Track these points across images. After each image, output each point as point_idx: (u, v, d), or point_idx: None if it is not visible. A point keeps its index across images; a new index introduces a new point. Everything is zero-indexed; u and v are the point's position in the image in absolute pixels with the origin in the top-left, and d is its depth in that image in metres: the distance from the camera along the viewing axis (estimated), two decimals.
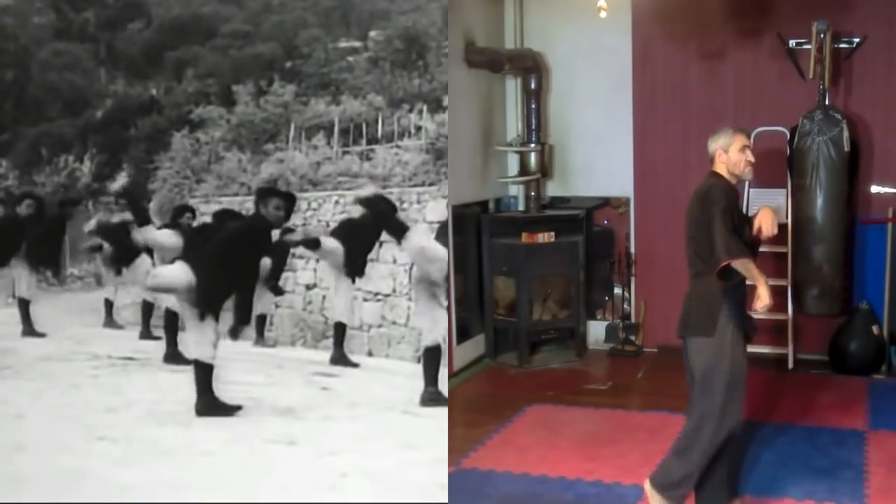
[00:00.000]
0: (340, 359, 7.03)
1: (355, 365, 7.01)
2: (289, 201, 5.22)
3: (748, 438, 5.38)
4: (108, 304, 9.45)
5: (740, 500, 4.58)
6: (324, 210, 9.62)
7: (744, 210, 4.60)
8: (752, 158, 4.32)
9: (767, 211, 4.24)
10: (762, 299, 4.03)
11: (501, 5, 7.76)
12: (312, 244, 7.06)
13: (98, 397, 5.45)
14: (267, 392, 6.08)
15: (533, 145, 7.56)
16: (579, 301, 7.53)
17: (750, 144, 4.35)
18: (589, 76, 7.65)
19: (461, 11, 7.14)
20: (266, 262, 7.17)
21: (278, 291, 8.64)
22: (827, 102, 6.59)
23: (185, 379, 6.39)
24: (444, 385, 5.61)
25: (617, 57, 7.51)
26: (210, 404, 5.04)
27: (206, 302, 4.88)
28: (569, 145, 7.80)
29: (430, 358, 5.37)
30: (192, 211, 8.79)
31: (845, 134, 6.47)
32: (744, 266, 4.06)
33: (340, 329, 7.09)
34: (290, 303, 9.75)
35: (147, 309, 8.42)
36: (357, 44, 19.85)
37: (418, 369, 7.17)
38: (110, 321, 9.42)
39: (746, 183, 6.90)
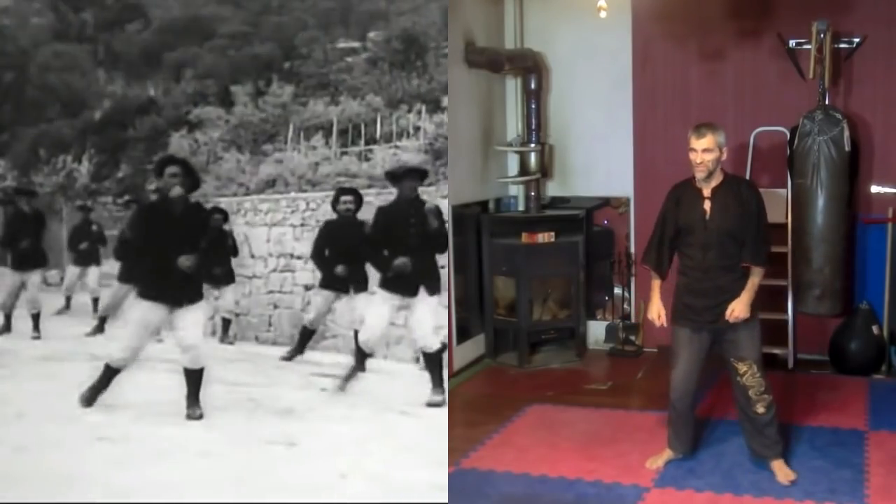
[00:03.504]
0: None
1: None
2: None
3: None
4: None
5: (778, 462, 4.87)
6: (322, 210, 9.60)
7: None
8: (696, 159, 4.58)
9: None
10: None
11: (501, 5, 7.75)
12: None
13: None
14: (266, 393, 6.08)
15: (533, 145, 7.55)
16: (579, 301, 7.52)
17: (697, 147, 4.55)
18: (589, 76, 7.64)
19: (461, 11, 7.14)
20: None
21: None
22: (827, 102, 6.58)
23: (184, 380, 6.38)
24: None
25: (617, 57, 7.50)
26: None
27: None
28: (569, 145, 7.79)
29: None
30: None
31: (846, 134, 6.46)
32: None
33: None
34: (290, 303, 9.74)
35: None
36: (356, 44, 19.86)
37: (418, 370, 7.21)
38: None
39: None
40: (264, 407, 5.58)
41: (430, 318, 5.78)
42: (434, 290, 5.81)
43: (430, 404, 5.68)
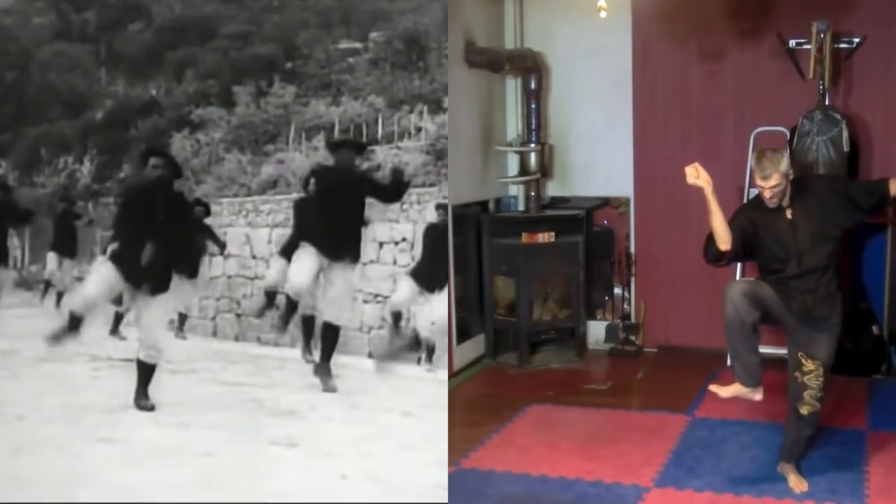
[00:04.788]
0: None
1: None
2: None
3: (748, 438, 5.38)
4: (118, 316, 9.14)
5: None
6: None
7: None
8: (767, 195, 4.49)
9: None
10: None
11: (501, 5, 7.75)
12: None
13: (98, 398, 5.47)
14: (268, 393, 6.09)
15: (533, 145, 7.55)
16: (579, 301, 7.52)
17: (765, 185, 4.44)
18: (589, 76, 7.64)
19: (461, 11, 7.14)
20: None
21: None
22: (827, 102, 6.58)
23: (184, 380, 6.41)
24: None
25: (617, 57, 7.49)
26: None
27: None
28: (569, 145, 7.79)
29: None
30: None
31: (845, 134, 6.46)
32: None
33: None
34: None
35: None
36: (357, 45, 19.85)
37: (419, 371, 7.22)
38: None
39: (746, 183, 6.95)
40: (266, 408, 5.58)
41: (348, 291, 6.10)
42: (356, 258, 6.06)
43: (326, 390, 5.95)
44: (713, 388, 4.83)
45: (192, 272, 8.90)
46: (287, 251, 7.16)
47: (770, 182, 4.44)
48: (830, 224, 4.57)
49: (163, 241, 5.16)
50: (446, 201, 7.21)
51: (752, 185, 4.57)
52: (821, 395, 4.72)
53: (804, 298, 4.61)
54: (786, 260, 4.58)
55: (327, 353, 6.03)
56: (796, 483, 4.75)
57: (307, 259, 6.02)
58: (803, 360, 4.71)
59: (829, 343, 4.69)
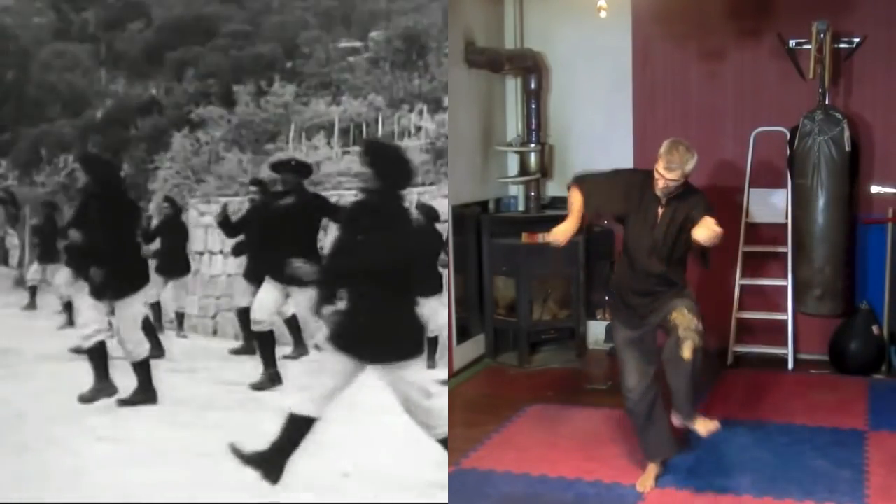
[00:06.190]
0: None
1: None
2: None
3: (748, 438, 5.38)
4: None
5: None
6: None
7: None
8: (660, 182, 4.41)
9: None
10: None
11: (501, 5, 7.76)
12: None
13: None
14: (268, 392, 6.10)
15: (533, 145, 7.55)
16: (579, 301, 7.52)
17: (664, 175, 4.36)
18: (589, 76, 7.64)
19: (461, 11, 7.14)
20: None
21: None
22: (827, 102, 6.59)
23: (185, 380, 6.41)
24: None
25: (617, 57, 7.49)
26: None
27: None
28: (569, 145, 7.80)
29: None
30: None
31: (846, 134, 6.47)
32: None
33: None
34: None
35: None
36: (357, 44, 19.84)
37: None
38: None
39: (746, 183, 6.96)
40: (266, 406, 5.59)
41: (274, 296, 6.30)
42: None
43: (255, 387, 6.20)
44: (639, 487, 4.74)
45: (179, 272, 9.00)
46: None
47: (671, 175, 4.34)
48: (676, 237, 4.42)
49: (103, 257, 5.34)
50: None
51: (655, 168, 4.43)
52: (694, 326, 4.36)
53: (644, 301, 4.53)
54: (638, 248, 4.49)
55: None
56: (703, 424, 4.61)
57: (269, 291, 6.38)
58: (670, 318, 4.42)
59: (683, 300, 4.47)
